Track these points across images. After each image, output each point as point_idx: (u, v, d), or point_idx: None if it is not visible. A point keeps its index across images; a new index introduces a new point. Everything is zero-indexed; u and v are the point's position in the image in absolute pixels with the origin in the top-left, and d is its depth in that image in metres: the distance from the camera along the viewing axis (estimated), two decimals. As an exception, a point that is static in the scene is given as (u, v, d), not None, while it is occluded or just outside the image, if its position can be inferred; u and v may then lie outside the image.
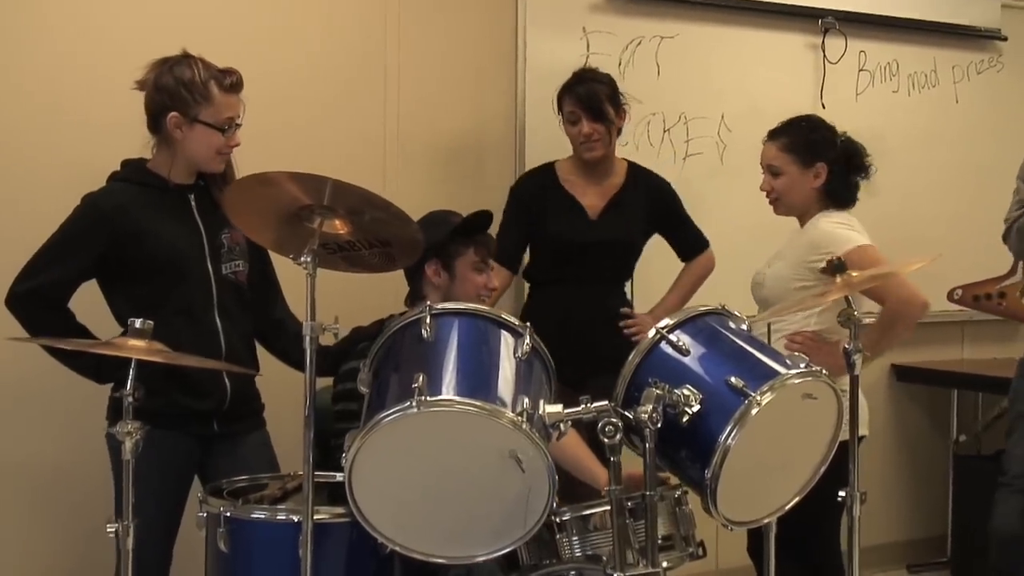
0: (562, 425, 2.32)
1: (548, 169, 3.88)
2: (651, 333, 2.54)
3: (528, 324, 2.43)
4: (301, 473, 2.72)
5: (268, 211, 2.40)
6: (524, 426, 2.19)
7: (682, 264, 4.00)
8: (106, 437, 2.85)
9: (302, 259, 2.33)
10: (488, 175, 4.03)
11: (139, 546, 2.54)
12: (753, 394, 2.35)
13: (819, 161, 3.38)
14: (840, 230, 3.34)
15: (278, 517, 2.50)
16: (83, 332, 2.91)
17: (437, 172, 4.05)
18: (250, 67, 3.38)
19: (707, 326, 2.57)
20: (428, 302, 2.42)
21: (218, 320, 2.96)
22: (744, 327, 2.61)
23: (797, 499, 2.57)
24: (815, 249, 3.29)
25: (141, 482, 2.75)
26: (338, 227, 2.41)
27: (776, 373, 2.43)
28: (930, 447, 5.22)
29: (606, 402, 2.34)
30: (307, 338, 2.32)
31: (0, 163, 3.44)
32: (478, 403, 2.19)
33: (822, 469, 2.56)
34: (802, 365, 2.47)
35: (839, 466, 2.70)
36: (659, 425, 2.33)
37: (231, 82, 2.92)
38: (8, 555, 3.47)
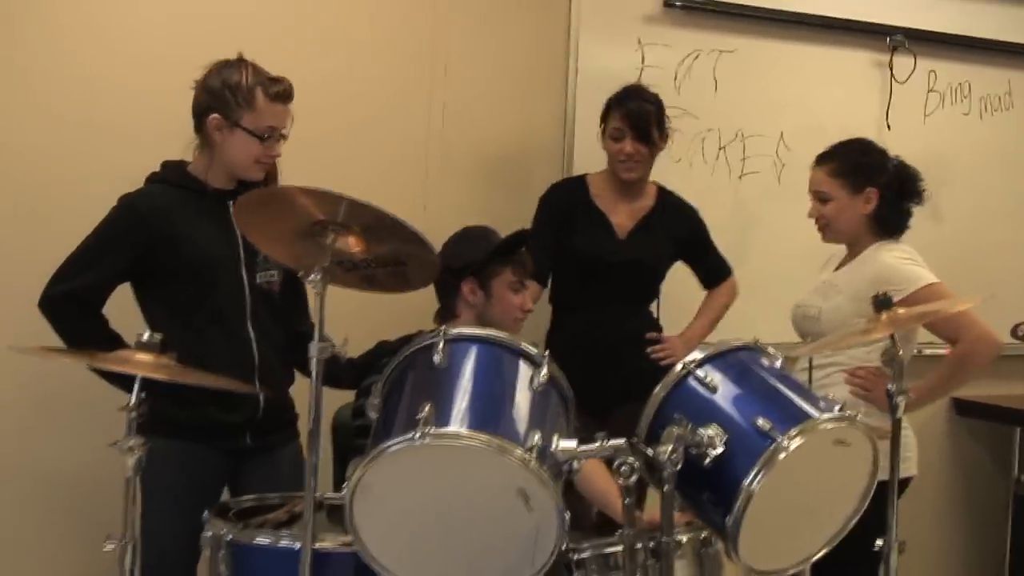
0: (575, 463, 2.20)
1: (580, 181, 3.78)
2: (678, 367, 2.41)
3: (547, 353, 2.32)
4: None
5: (280, 226, 2.31)
6: (533, 464, 2.07)
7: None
8: None
9: (311, 277, 2.23)
10: (534, 186, 3.88)
11: (163, 562, 2.50)
12: (780, 437, 2.22)
13: (869, 186, 3.24)
14: (907, 266, 3.20)
15: (280, 543, 2.41)
16: (115, 339, 2.84)
17: (480, 180, 3.95)
18: (292, 70, 3.31)
19: (738, 362, 2.44)
20: (443, 327, 2.32)
21: (251, 329, 2.90)
22: (778, 364, 2.47)
23: (826, 550, 2.43)
24: (880, 284, 3.10)
25: (167, 497, 2.72)
26: (352, 244, 2.32)
27: (807, 416, 2.29)
28: (989, 487, 5.01)
29: (623, 440, 2.21)
30: (313, 359, 2.23)
31: (31, 170, 3.42)
32: (486, 437, 2.08)
33: (853, 521, 2.42)
34: (836, 409, 2.33)
35: (879, 509, 2.57)
36: (679, 466, 2.21)
37: (278, 91, 2.85)
38: (39, 565, 3.43)
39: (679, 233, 3.77)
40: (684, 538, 2.54)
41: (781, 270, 4.34)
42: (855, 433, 2.33)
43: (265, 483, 2.82)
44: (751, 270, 4.33)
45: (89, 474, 3.33)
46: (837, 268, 3.37)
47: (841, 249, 3.42)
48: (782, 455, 2.21)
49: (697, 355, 2.42)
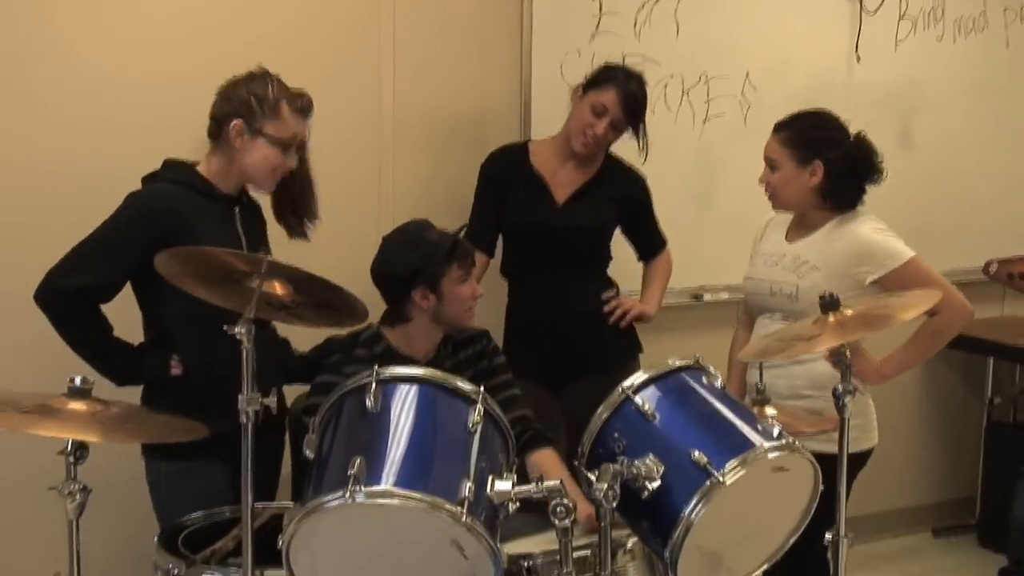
0: (510, 505, 2.19)
1: (520, 149, 3.67)
2: (618, 391, 2.40)
3: (481, 390, 2.30)
4: (264, 505, 2.69)
5: (207, 273, 2.27)
6: (464, 519, 2.07)
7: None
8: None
9: (236, 330, 2.19)
10: (491, 148, 3.68)
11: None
12: (717, 472, 2.21)
13: (817, 159, 3.16)
14: (887, 240, 3.14)
15: (228, 579, 2.43)
16: (110, 337, 2.82)
17: (437, 152, 3.86)
18: (231, 42, 3.27)
19: (679, 385, 2.42)
20: (375, 367, 2.29)
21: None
22: (718, 384, 2.45)
23: (767, 565, 2.45)
24: (863, 260, 3.13)
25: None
26: (278, 289, 2.28)
27: (746, 446, 2.28)
28: (963, 410, 5.05)
29: (557, 481, 2.19)
30: (242, 412, 2.21)
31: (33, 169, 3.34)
32: (417, 495, 2.07)
33: (795, 537, 2.43)
34: (775, 434, 2.32)
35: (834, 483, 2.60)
36: (615, 503, 2.21)
37: (301, 105, 2.84)
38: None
39: (621, 197, 3.62)
40: (630, 543, 2.55)
41: (749, 211, 4.23)
42: (795, 459, 2.32)
43: (260, 487, 2.80)
44: (718, 213, 4.32)
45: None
46: (791, 239, 3.31)
47: (779, 216, 3.38)
48: (720, 489, 2.20)
49: (638, 378, 2.40)
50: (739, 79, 4.31)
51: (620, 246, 3.73)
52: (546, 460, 2.90)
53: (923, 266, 3.11)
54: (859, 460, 3.14)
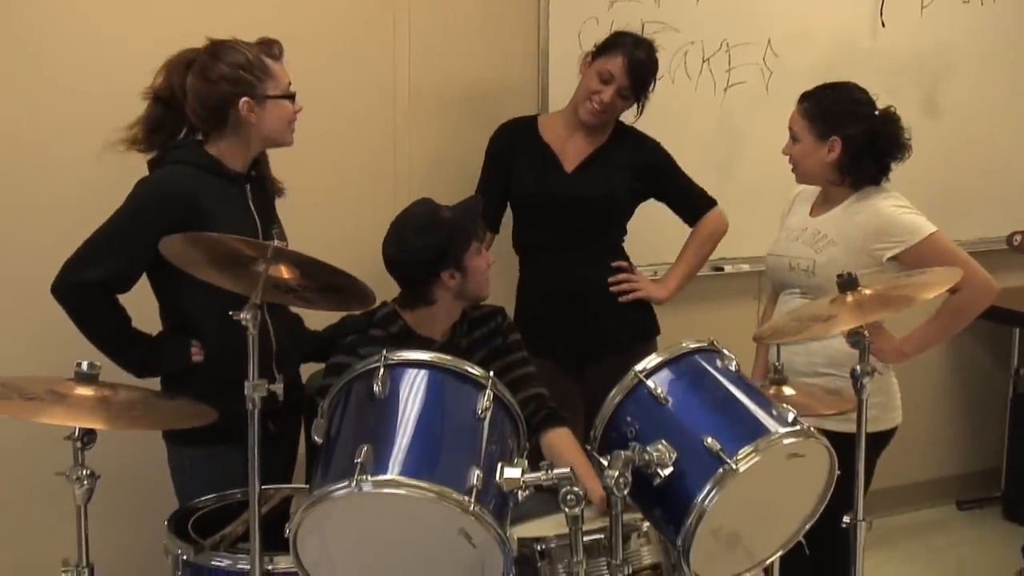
0: (520, 493, 2.16)
1: (529, 121, 3.59)
2: (630, 376, 2.36)
3: (490, 375, 2.26)
4: (276, 488, 2.67)
5: (212, 258, 2.24)
6: (472, 508, 2.04)
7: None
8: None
9: (241, 315, 2.16)
10: None
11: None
12: (729, 460, 2.17)
13: (834, 135, 3.09)
14: (905, 215, 3.07)
15: (239, 566, 2.40)
16: (129, 328, 2.77)
17: (452, 125, 3.79)
18: (246, 18, 3.18)
19: (692, 368, 2.38)
20: (384, 351, 2.26)
21: (267, 315, 2.71)
22: (732, 367, 2.41)
23: (782, 552, 2.41)
24: (881, 236, 3.06)
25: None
26: (284, 273, 2.24)
27: (760, 432, 2.23)
28: (989, 381, 4.99)
29: (567, 468, 2.16)
30: (248, 399, 2.18)
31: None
32: (424, 485, 2.04)
33: (810, 523, 2.39)
34: (790, 419, 2.28)
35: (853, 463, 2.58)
36: (627, 491, 2.18)
37: (278, 50, 2.80)
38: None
39: (636, 163, 3.51)
40: (644, 526, 2.52)
41: (771, 182, 4.12)
42: (810, 445, 2.27)
43: (275, 469, 2.80)
44: (739, 184, 4.24)
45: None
46: (814, 213, 3.25)
47: (807, 190, 3.32)
48: (733, 476, 2.16)
49: (650, 361, 2.36)
50: (761, 46, 4.23)
51: (637, 222, 3.64)
52: (561, 440, 2.86)
53: (944, 242, 3.04)
54: (880, 440, 3.09)
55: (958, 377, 4.95)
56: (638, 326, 3.57)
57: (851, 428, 2.65)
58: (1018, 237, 4.30)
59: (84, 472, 2.32)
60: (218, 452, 2.74)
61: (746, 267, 4.30)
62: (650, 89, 3.44)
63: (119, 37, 3.29)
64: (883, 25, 4.42)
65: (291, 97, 2.78)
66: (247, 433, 2.37)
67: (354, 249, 3.50)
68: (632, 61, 3.36)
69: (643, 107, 3.48)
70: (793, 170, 3.22)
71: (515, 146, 3.53)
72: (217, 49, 2.73)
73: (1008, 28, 4.71)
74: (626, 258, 3.60)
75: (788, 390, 2.83)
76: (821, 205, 3.25)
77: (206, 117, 2.74)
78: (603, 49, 3.42)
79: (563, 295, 3.50)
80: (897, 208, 3.09)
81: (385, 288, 2.81)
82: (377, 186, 3.67)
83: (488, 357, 2.96)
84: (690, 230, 3.65)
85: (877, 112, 3.11)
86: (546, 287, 3.53)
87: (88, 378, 2.32)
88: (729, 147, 4.24)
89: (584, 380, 3.51)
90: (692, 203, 3.63)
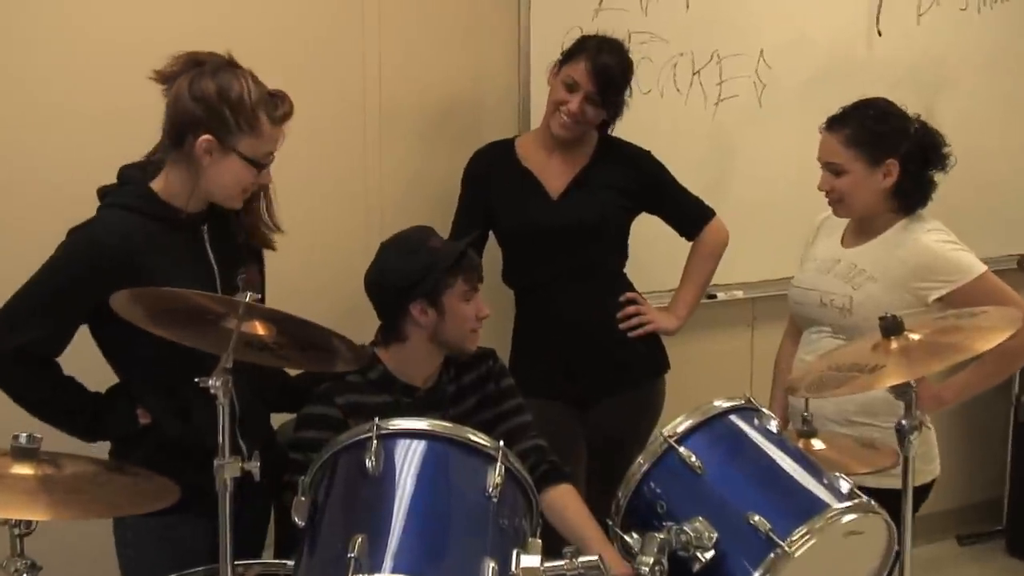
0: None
1: (506, 145, 3.27)
2: (659, 440, 2.06)
3: (500, 444, 1.95)
4: (247, 564, 2.32)
5: (171, 314, 1.90)
6: (488, 610, 1.73)
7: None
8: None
9: (211, 383, 1.82)
10: (486, 140, 3.34)
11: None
12: (782, 543, 1.87)
13: (890, 158, 2.80)
14: (952, 252, 2.79)
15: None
16: (67, 392, 2.39)
17: (427, 140, 3.46)
18: (208, 25, 2.92)
19: (728, 431, 2.09)
20: (376, 420, 1.94)
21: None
22: (772, 427, 2.11)
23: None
24: (926, 274, 2.78)
25: None
26: (258, 329, 1.91)
27: (815, 508, 1.94)
28: (989, 409, 4.73)
29: (595, 556, 1.86)
30: (218, 479, 1.85)
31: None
32: (429, 584, 1.73)
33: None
34: (844, 488, 1.99)
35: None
36: (664, 579, 1.88)
37: (282, 114, 2.36)
38: None
39: (627, 179, 3.21)
40: None
41: (766, 199, 4.00)
42: (870, 521, 1.99)
43: (247, 541, 2.40)
44: (734, 203, 3.93)
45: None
46: (846, 243, 2.96)
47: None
48: (787, 562, 1.87)
49: (680, 424, 2.06)
50: (753, 57, 3.96)
51: (637, 244, 3.36)
52: (566, 501, 2.55)
53: (994, 282, 2.77)
54: (922, 494, 2.83)
55: (957, 404, 4.69)
56: (647, 361, 3.30)
57: (890, 484, 2.39)
58: (1031, 260, 4.05)
59: (23, 564, 1.98)
60: (171, 523, 2.32)
61: (740, 293, 4.03)
62: (625, 94, 3.15)
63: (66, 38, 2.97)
64: (879, 34, 4.18)
65: (260, 166, 2.36)
66: (206, 501, 2.04)
67: (321, 279, 3.24)
68: (596, 65, 3.05)
69: (616, 113, 3.17)
70: (836, 205, 2.91)
71: (491, 172, 3.22)
72: (221, 68, 2.33)
73: (1007, 37, 4.48)
74: (630, 285, 3.31)
75: (817, 443, 2.54)
76: (855, 235, 2.95)
77: (168, 131, 2.35)
78: (567, 56, 3.13)
79: (565, 331, 3.19)
80: (943, 244, 2.81)
81: (356, 324, 2.51)
82: (347, 212, 3.35)
83: (478, 405, 2.67)
84: (687, 244, 3.38)
85: (917, 124, 2.85)
86: (546, 323, 3.21)
87: (26, 453, 1.97)
88: (721, 165, 3.96)
89: (588, 421, 3.24)
90: (690, 215, 3.35)
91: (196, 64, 2.33)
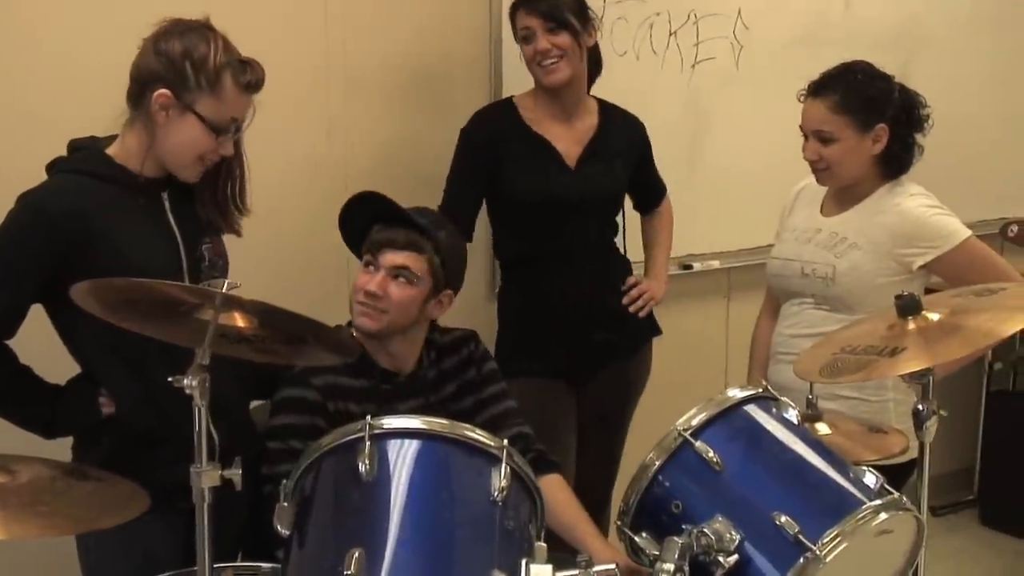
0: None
1: (508, 104, 3.07)
2: (673, 435, 1.90)
3: (504, 443, 1.78)
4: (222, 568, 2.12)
5: (138, 305, 1.70)
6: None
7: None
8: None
9: (186, 383, 1.63)
10: (458, 107, 3.19)
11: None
12: (813, 546, 1.72)
13: (880, 122, 2.68)
14: (936, 217, 2.68)
15: None
16: (22, 381, 2.20)
17: (395, 105, 3.26)
18: None
19: (746, 424, 1.93)
20: (368, 416, 1.76)
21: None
22: (792, 417, 1.96)
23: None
24: (910, 240, 2.67)
25: None
26: (237, 320, 1.72)
27: (846, 506, 1.79)
28: (961, 377, 4.62)
29: (612, 566, 1.70)
30: (195, 490, 1.66)
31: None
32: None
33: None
34: (873, 483, 1.84)
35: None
36: (685, 586, 1.73)
37: (249, 80, 2.16)
38: None
39: (629, 146, 3.12)
40: None
41: (741, 169, 3.86)
42: (902, 519, 1.84)
43: (223, 541, 2.20)
44: (708, 172, 3.86)
45: None
46: (827, 211, 2.84)
47: (812, 185, 2.90)
48: (818, 567, 1.72)
49: (695, 417, 1.90)
50: (731, 18, 3.81)
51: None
52: (554, 492, 2.38)
53: (979, 247, 2.68)
54: (909, 469, 2.69)
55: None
56: (645, 326, 3.20)
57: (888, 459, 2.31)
58: (1014, 228, 3.93)
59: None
60: (134, 527, 2.14)
61: (716, 264, 3.90)
62: (588, 11, 2.97)
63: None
64: (853, -6, 4.04)
65: (219, 131, 2.16)
66: (176, 500, 1.86)
67: (283, 254, 3.04)
68: (533, 5, 2.89)
69: (586, 29, 2.96)
70: (822, 173, 2.77)
71: (501, 138, 3.00)
72: (190, 28, 2.15)
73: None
74: (625, 260, 3.21)
75: (823, 428, 2.39)
76: (834, 203, 2.83)
77: (131, 88, 2.16)
78: (511, 16, 2.99)
79: (567, 306, 3.03)
80: (927, 209, 2.70)
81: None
82: (310, 182, 3.14)
83: (459, 392, 2.49)
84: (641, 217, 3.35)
85: (898, 86, 2.74)
86: (542, 298, 3.04)
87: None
88: (696, 130, 3.81)
89: (585, 395, 3.13)
90: (656, 188, 3.32)
91: (174, 24, 2.15)
